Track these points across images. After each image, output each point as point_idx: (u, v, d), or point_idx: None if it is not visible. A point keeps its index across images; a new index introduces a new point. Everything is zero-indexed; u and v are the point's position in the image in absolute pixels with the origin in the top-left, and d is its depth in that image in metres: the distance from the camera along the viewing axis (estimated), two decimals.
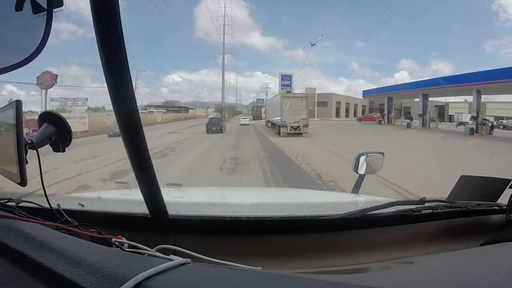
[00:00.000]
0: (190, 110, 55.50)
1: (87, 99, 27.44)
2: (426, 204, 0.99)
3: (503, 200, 1.04)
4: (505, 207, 1.01)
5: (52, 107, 23.77)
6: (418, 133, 22.17)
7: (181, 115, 47.97)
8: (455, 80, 22.69)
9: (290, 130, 18.98)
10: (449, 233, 0.99)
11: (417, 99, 29.23)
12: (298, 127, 19.19)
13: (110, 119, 23.26)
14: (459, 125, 26.40)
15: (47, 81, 23.26)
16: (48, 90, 23.62)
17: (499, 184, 1.09)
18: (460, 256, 0.85)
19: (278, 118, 19.67)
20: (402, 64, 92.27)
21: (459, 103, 35.97)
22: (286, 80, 36.84)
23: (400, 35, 77.24)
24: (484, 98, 24.44)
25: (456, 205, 1.02)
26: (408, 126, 26.60)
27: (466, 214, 1.03)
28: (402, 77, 61.32)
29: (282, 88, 34.27)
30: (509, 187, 1.06)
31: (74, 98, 27.00)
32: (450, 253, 0.90)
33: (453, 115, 33.04)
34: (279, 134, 19.59)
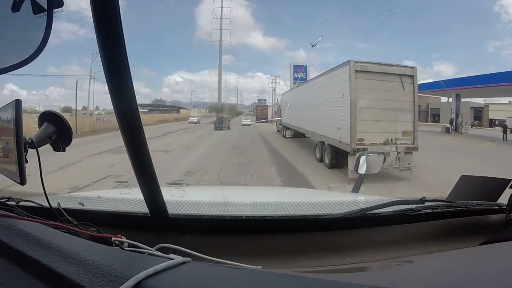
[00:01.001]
0: (182, 110, 46.59)
1: None
2: (426, 204, 0.99)
3: (503, 199, 1.05)
4: (505, 207, 1.01)
5: None
6: None
7: (170, 115, 40.08)
8: None
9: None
10: (449, 232, 0.99)
11: (444, 99, 22.54)
12: (398, 154, 7.35)
13: None
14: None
15: None
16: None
17: (499, 184, 1.09)
18: (460, 256, 0.85)
19: (342, 127, 7.73)
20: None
21: (502, 105, 26.12)
22: (299, 71, 28.88)
23: (401, 35, 77.28)
24: None
25: (456, 204, 1.02)
26: None
27: (466, 214, 1.03)
28: None
29: (294, 82, 26.18)
30: (509, 187, 1.06)
31: None
32: (450, 252, 0.90)
33: (495, 120, 24.53)
34: (329, 165, 8.41)
